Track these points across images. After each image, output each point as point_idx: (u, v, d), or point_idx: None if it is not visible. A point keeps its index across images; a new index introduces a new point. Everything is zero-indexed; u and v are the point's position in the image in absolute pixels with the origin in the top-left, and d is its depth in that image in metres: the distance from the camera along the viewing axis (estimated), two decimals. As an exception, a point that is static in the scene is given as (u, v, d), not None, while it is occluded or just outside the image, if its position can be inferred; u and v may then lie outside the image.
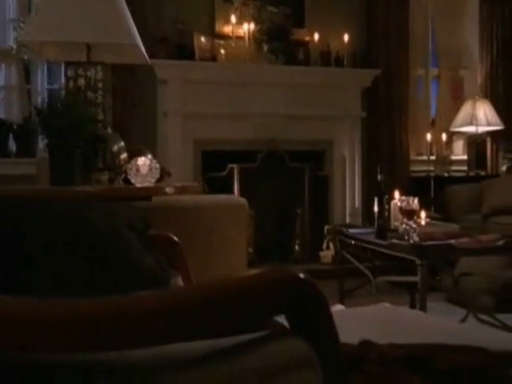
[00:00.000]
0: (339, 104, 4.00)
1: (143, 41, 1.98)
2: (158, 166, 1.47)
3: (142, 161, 1.41)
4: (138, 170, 1.38)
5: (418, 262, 1.98)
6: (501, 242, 2.06)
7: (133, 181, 1.41)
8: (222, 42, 3.86)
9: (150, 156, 1.49)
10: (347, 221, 3.88)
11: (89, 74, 1.57)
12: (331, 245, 3.68)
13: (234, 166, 3.72)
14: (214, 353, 0.62)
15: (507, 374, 0.73)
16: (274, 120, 3.86)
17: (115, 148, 1.44)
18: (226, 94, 3.78)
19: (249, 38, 3.83)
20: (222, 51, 3.82)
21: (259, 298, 0.62)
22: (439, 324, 1.03)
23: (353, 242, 3.03)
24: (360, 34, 4.20)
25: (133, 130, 3.42)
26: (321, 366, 0.66)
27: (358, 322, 1.04)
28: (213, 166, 3.76)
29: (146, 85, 3.70)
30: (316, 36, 3.99)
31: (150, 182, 1.42)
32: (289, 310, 0.65)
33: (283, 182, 3.86)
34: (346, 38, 4.00)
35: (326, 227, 3.73)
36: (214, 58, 3.78)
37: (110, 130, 1.60)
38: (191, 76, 3.70)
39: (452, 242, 2.04)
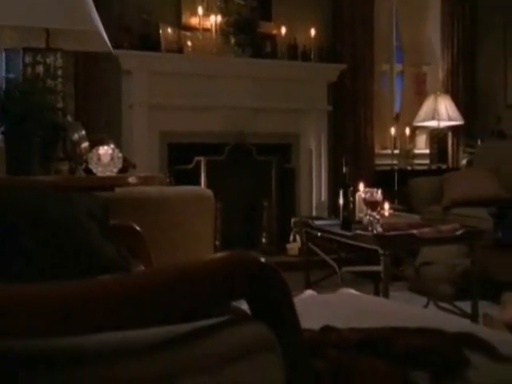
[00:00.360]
0: (306, 98, 4.02)
1: (106, 30, 1.93)
2: (120, 155, 1.44)
3: (104, 150, 1.37)
4: (99, 159, 1.35)
5: (380, 251, 2.02)
6: (460, 232, 2.13)
7: (94, 170, 1.37)
8: (188, 33, 3.81)
9: (112, 145, 1.46)
10: (314, 213, 3.92)
11: (48, 60, 1.52)
12: (298, 237, 3.72)
13: (201, 158, 3.70)
14: (174, 338, 0.61)
15: (462, 354, 0.76)
16: (241, 113, 3.86)
17: (75, 137, 1.40)
18: (192, 86, 3.74)
19: (216, 31, 3.80)
20: (189, 43, 3.77)
21: (220, 282, 0.62)
22: (399, 309, 1.06)
23: (319, 234, 3.07)
24: (326, 28, 4.24)
25: (97, 120, 3.35)
26: (282, 351, 0.67)
27: (321, 308, 1.05)
28: (179, 158, 3.72)
29: (111, 75, 3.62)
30: (283, 30, 4.00)
31: (111, 172, 1.39)
32: (250, 295, 0.65)
33: (250, 174, 3.87)
34: (312, 32, 4.03)
35: (292, 220, 3.76)
36: (180, 50, 3.74)
37: (70, 119, 1.55)
38: (157, 67, 3.64)
39: (414, 232, 2.10)
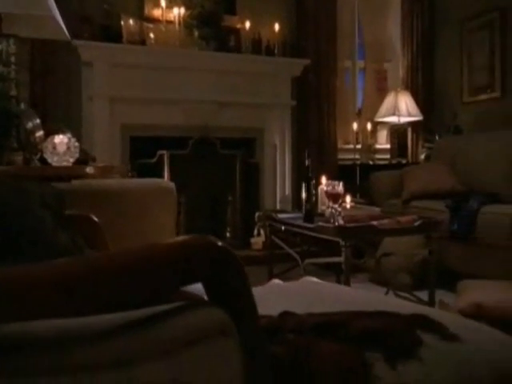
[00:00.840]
0: (270, 92, 4.03)
1: (66, 19, 1.87)
2: (77, 144, 1.40)
3: (60, 139, 1.32)
4: (54, 148, 1.30)
5: (342, 243, 2.05)
6: (418, 223, 2.19)
7: (49, 160, 1.32)
8: (151, 25, 3.75)
9: (68, 134, 1.42)
10: (278, 207, 3.94)
11: (0, 46, 1.46)
12: (262, 231, 3.73)
13: (164, 152, 3.65)
14: (129, 324, 0.60)
15: (416, 335, 0.78)
16: (205, 106, 3.83)
17: (30, 125, 1.35)
18: (155, 78, 3.68)
19: (179, 23, 3.76)
20: (152, 35, 3.71)
21: (178, 264, 0.62)
22: (359, 295, 1.08)
23: (283, 228, 3.09)
24: (290, 23, 4.26)
25: (55, 111, 3.25)
26: (239, 336, 0.67)
27: (282, 295, 1.06)
28: (142, 152, 3.66)
29: (71, 66, 3.52)
30: (247, 24, 3.99)
31: (68, 162, 1.35)
32: (207, 278, 0.65)
33: (214, 169, 3.85)
34: (276, 27, 4.05)
35: (256, 214, 3.76)
36: (142, 42, 3.67)
37: (23, 106, 1.49)
38: (118, 59, 3.56)
39: (374, 223, 2.14)
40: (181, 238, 0.67)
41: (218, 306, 0.66)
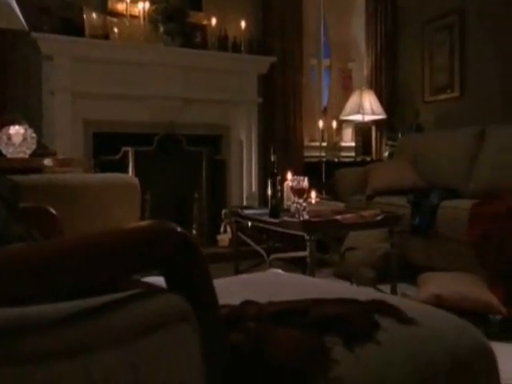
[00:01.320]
0: (236, 89, 4.03)
1: (23, 9, 1.80)
2: (34, 135, 1.35)
3: (15, 129, 1.28)
4: (9, 139, 1.25)
5: (306, 237, 2.07)
6: (380, 217, 2.24)
7: (4, 151, 1.27)
8: (114, 19, 3.68)
9: (25, 125, 1.37)
10: (244, 204, 3.94)
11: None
12: (228, 228, 3.73)
13: (129, 149, 3.59)
14: (84, 311, 0.59)
15: (373, 319, 0.79)
16: (170, 103, 3.79)
17: (-17, 115, 1.29)
18: (119, 74, 3.62)
19: (144, 18, 3.70)
20: (115, 30, 3.64)
21: (134, 250, 0.61)
22: (320, 284, 1.09)
23: (249, 225, 3.10)
24: (256, 21, 4.27)
25: (14, 105, 3.14)
26: (198, 323, 0.66)
27: (246, 286, 1.06)
28: (105, 148, 3.59)
29: (31, 59, 3.41)
30: (213, 20, 3.97)
31: (24, 154, 1.30)
32: (165, 264, 0.64)
33: (180, 166, 3.82)
34: (243, 24, 4.04)
35: (223, 211, 3.76)
36: (106, 36, 3.59)
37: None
38: (81, 53, 3.48)
39: (338, 217, 2.17)
40: (140, 223, 0.67)
41: (177, 292, 0.65)
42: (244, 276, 1.17)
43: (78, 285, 0.60)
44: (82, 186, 1.83)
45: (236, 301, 0.91)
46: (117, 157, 3.59)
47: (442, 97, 4.35)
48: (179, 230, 0.66)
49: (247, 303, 0.87)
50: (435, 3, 4.43)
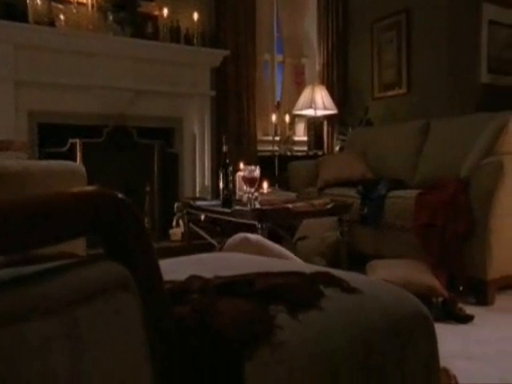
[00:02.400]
0: (189, 82, 3.99)
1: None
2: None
3: None
4: None
5: (258, 225, 2.08)
6: (330, 205, 2.28)
7: None
8: (60, 6, 3.54)
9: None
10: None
11: None
12: (181, 222, 3.68)
13: (76, 140, 3.47)
14: (16, 279, 0.56)
15: (317, 288, 0.80)
16: (120, 94, 3.70)
17: None
18: (66, 63, 3.49)
19: (92, 6, 3.59)
20: (62, 17, 3.51)
21: (73, 214, 0.58)
22: (268, 260, 1.09)
23: (202, 218, 3.08)
24: (209, 14, 4.24)
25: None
26: (139, 291, 0.65)
27: (191, 264, 1.05)
28: (51, 140, 3.45)
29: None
30: (165, 11, 3.91)
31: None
32: (103, 230, 0.62)
33: (131, 158, 3.73)
34: (195, 16, 4.00)
35: (176, 204, 3.71)
36: (51, 23, 3.46)
37: None
38: (24, 40, 3.32)
39: (289, 206, 2.19)
40: (80, 188, 0.65)
41: (117, 260, 0.64)
42: (191, 256, 1.16)
43: (13, 247, 0.57)
44: (23, 173, 1.75)
45: (181, 277, 0.89)
46: (64, 149, 3.47)
47: (390, 93, 4.50)
48: (121, 196, 0.65)
49: (192, 278, 0.86)
50: (384, 3, 4.56)
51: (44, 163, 1.98)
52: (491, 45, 4.28)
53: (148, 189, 3.77)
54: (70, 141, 3.48)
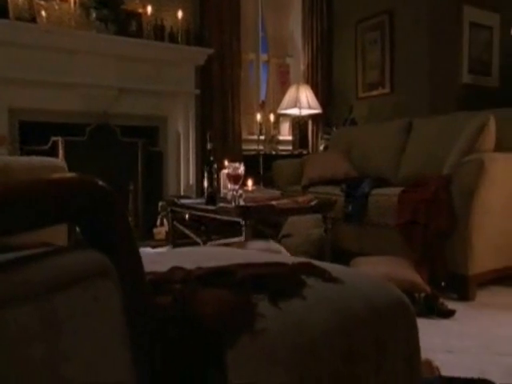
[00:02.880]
0: (173, 80, 3.97)
1: None
2: None
3: None
4: None
5: (242, 222, 2.08)
6: (314, 203, 2.29)
7: None
8: (42, 2, 3.49)
9: None
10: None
11: None
12: (165, 221, 3.66)
13: (59, 138, 3.43)
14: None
15: (300, 278, 0.80)
16: (104, 92, 3.66)
17: None
18: (48, 60, 3.44)
19: (74, 2, 3.55)
20: (43, 13, 3.46)
21: (45, 202, 0.58)
22: (252, 253, 1.09)
23: (187, 216, 3.06)
24: (194, 12, 4.23)
25: None
26: (119, 277, 0.64)
27: (174, 256, 1.04)
28: (33, 138, 3.40)
29: None
30: (149, 9, 3.89)
31: None
32: (84, 217, 0.61)
33: (115, 157, 3.70)
34: (179, 14, 3.99)
35: (160, 203, 3.69)
36: (33, 20, 3.41)
37: None
38: (4, 36, 3.27)
39: (273, 203, 2.20)
40: (64, 174, 0.64)
41: (96, 248, 0.63)
42: (173, 249, 1.15)
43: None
44: (6, 169, 1.73)
45: (164, 269, 0.89)
46: (45, 147, 3.42)
47: (374, 93, 4.54)
48: (101, 183, 0.64)
49: (174, 268, 0.86)
50: (367, 4, 4.60)
51: (25, 159, 1.95)
52: (472, 46, 4.36)
53: (132, 188, 3.74)
54: (53, 139, 3.44)
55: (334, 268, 0.89)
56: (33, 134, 3.42)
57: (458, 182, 2.37)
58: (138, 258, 0.68)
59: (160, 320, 0.71)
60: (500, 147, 2.54)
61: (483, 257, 2.38)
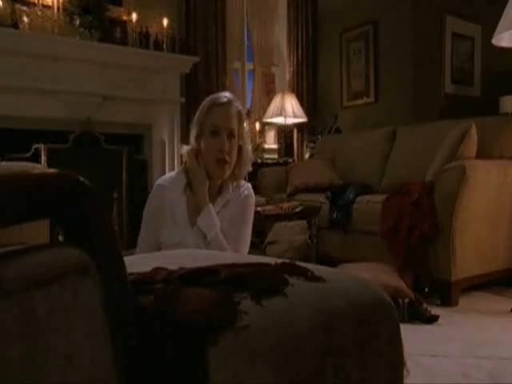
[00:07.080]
0: (158, 88, 3.96)
1: None
2: None
3: None
4: None
5: (227, 228, 2.06)
6: (299, 209, 2.29)
7: None
8: (24, 8, 3.47)
9: None
10: (166, 204, 3.86)
11: None
12: (150, 229, 3.62)
13: (41, 146, 3.38)
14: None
15: (282, 277, 0.80)
16: (87, 99, 3.64)
17: None
18: (30, 66, 3.41)
19: (58, 8, 3.54)
20: (25, 19, 3.44)
21: (25, 197, 0.56)
22: (236, 255, 1.09)
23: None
24: (179, 20, 4.24)
25: None
26: (99, 275, 0.63)
27: (157, 258, 1.03)
28: (14, 146, 3.35)
29: None
30: (134, 16, 3.89)
31: None
32: (63, 213, 0.60)
33: (99, 165, 3.66)
34: (165, 22, 4.00)
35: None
36: (14, 25, 3.38)
37: None
38: (-15, 42, 3.24)
39: (258, 209, 2.19)
40: (44, 170, 0.63)
41: (76, 245, 0.62)
42: (157, 252, 1.14)
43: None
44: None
45: (146, 269, 0.88)
46: (27, 154, 3.37)
47: (359, 102, 4.59)
48: (82, 180, 0.64)
49: (157, 269, 0.85)
50: (352, 14, 4.67)
51: (5, 164, 1.92)
52: (454, 56, 4.44)
53: (116, 196, 3.71)
54: (35, 146, 3.39)
55: (316, 268, 0.89)
56: (14, 141, 3.37)
57: (441, 188, 2.39)
58: (119, 256, 0.67)
59: (141, 318, 0.70)
60: (481, 154, 2.58)
61: (466, 262, 2.41)
